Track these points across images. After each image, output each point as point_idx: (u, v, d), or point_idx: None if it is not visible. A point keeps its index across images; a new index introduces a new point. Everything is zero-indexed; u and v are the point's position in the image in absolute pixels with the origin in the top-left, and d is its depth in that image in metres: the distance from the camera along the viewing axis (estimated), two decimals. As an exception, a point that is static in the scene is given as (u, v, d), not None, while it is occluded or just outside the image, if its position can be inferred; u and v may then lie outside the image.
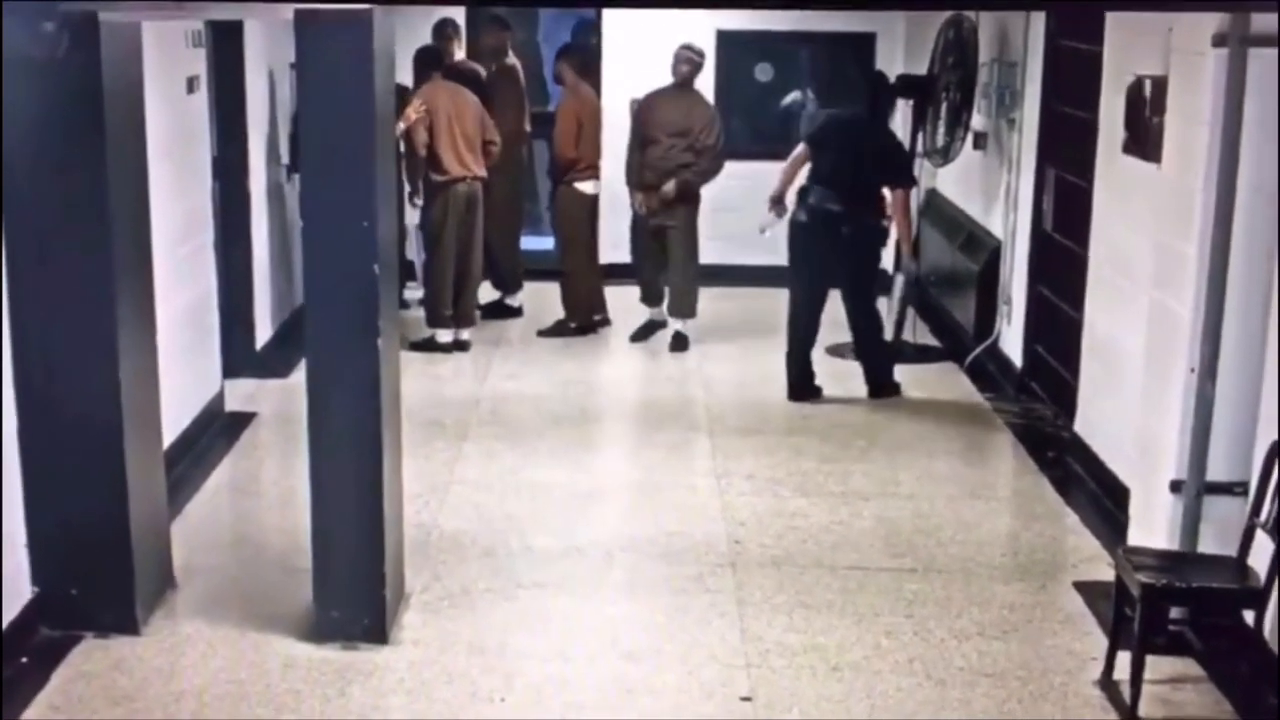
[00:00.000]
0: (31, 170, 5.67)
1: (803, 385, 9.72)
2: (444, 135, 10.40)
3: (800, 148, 9.87)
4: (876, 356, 9.89)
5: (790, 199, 9.89)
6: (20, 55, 5.52)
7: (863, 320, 9.81)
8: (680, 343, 10.97)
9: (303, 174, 5.88)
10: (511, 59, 11.69)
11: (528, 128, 11.70)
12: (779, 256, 12.37)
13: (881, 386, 9.79)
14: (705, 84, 12.86)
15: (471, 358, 10.64)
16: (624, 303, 11.39)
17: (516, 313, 11.81)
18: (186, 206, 8.18)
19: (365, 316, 5.73)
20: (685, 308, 11.02)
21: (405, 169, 10.40)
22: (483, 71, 11.53)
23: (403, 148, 10.10)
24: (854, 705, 5.62)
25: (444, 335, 10.74)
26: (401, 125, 10.02)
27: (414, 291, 11.43)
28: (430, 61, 10.77)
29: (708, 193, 12.77)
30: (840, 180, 9.52)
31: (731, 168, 12.94)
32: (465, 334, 10.85)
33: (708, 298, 12.11)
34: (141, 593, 6.10)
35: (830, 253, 9.59)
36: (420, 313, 10.94)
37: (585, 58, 11.63)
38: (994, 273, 10.24)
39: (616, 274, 11.68)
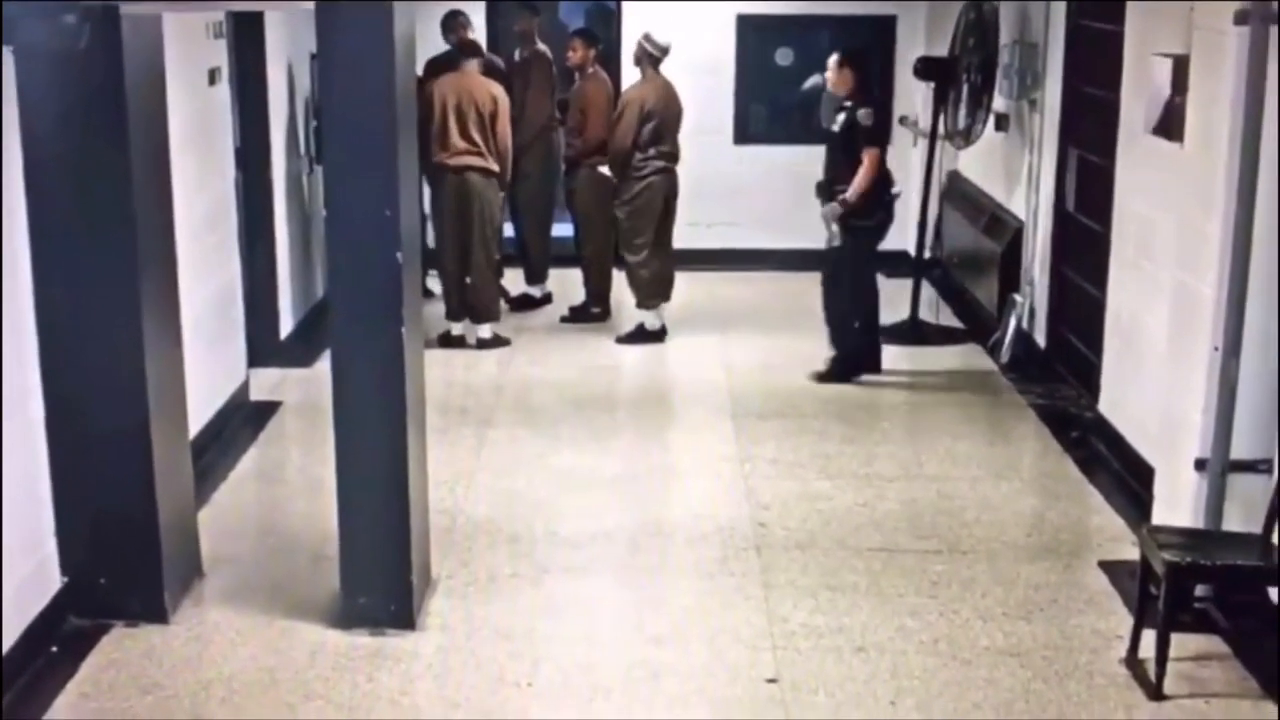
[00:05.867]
0: (55, 163, 5.70)
1: None
2: (439, 122, 10.11)
3: (878, 153, 9.45)
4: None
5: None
6: (42, 48, 5.56)
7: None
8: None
9: (325, 163, 5.90)
10: (542, 46, 11.65)
11: (558, 115, 11.65)
12: (793, 240, 12.40)
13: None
14: (726, 68, 12.96)
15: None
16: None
17: (542, 303, 11.80)
18: (209, 198, 8.21)
19: (389, 305, 5.75)
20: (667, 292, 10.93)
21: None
22: (500, 61, 11.50)
23: None
24: (879, 686, 5.63)
25: (457, 328, 10.59)
26: None
27: (435, 280, 11.43)
28: (443, 67, 10.55)
29: (727, 177, 12.82)
30: None
31: (751, 152, 13.00)
32: (484, 331, 10.57)
33: (729, 282, 12.15)
34: (169, 581, 6.13)
35: None
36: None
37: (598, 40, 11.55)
38: (1016, 254, 10.22)
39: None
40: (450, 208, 10.35)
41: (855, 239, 9.53)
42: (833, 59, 9.71)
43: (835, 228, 9.52)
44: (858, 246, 9.59)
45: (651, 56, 10.56)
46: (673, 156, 10.63)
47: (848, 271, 9.68)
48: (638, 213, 10.59)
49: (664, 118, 10.49)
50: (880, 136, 9.55)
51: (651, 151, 10.48)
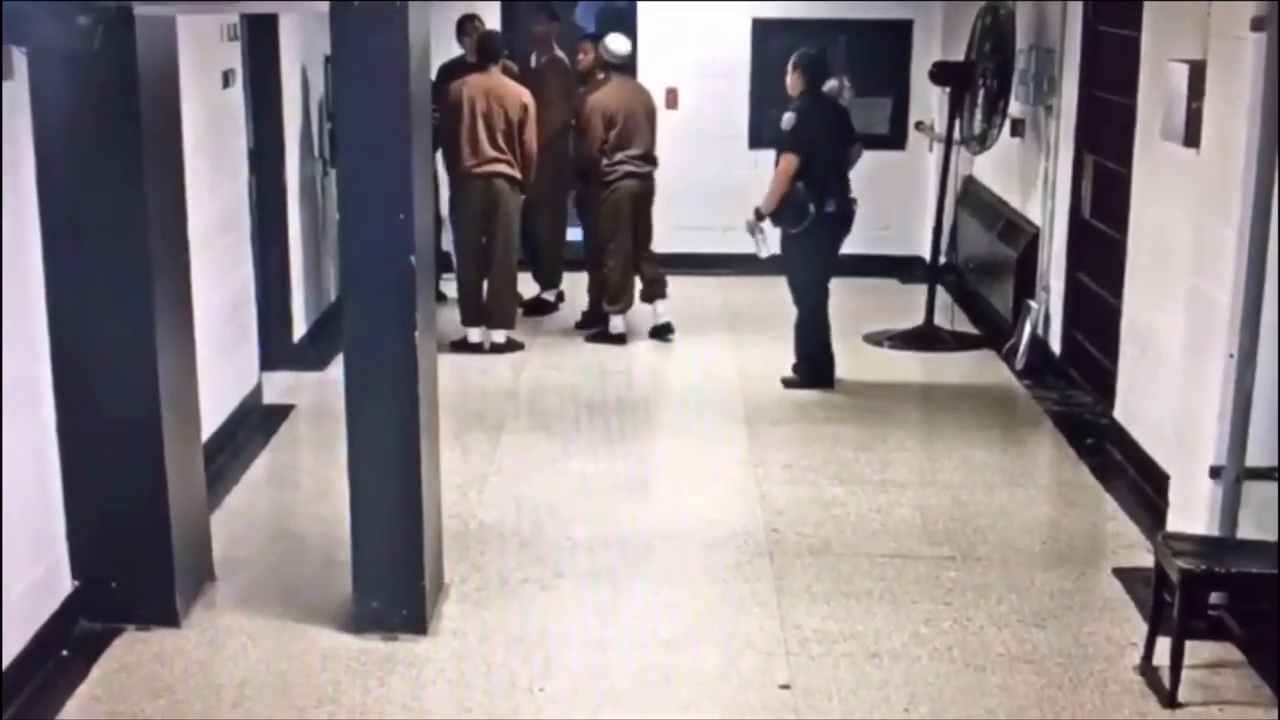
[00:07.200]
0: (68, 164, 5.70)
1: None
2: (465, 127, 10.09)
3: (793, 159, 9.31)
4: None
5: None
6: (55, 49, 5.55)
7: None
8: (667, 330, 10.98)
9: (339, 166, 5.89)
10: (559, 52, 11.66)
11: (573, 121, 11.66)
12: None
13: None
14: (741, 72, 12.95)
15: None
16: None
17: (554, 307, 11.80)
18: (223, 200, 8.21)
19: (402, 309, 5.74)
20: (661, 290, 10.95)
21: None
22: (514, 66, 11.48)
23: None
24: (893, 693, 5.61)
25: (474, 334, 10.59)
26: None
27: (451, 284, 11.42)
28: (490, 50, 10.40)
29: (742, 181, 12.80)
30: (843, 172, 9.55)
31: (766, 156, 12.96)
32: (499, 336, 10.57)
33: (743, 287, 12.12)
34: (181, 585, 6.13)
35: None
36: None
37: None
38: (1032, 260, 10.19)
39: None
40: (474, 213, 10.33)
41: (790, 247, 9.52)
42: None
43: (759, 238, 9.55)
44: (791, 255, 9.57)
45: (607, 63, 10.66)
46: (644, 159, 10.63)
47: (794, 281, 9.67)
48: (604, 219, 10.65)
49: (628, 121, 10.52)
50: (800, 143, 9.36)
51: (618, 156, 10.52)
